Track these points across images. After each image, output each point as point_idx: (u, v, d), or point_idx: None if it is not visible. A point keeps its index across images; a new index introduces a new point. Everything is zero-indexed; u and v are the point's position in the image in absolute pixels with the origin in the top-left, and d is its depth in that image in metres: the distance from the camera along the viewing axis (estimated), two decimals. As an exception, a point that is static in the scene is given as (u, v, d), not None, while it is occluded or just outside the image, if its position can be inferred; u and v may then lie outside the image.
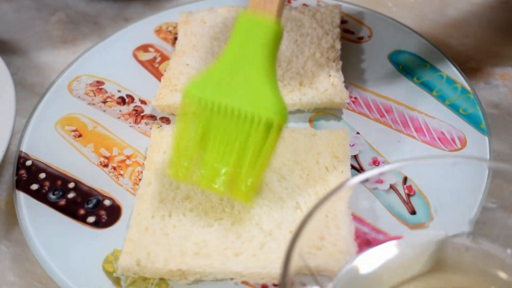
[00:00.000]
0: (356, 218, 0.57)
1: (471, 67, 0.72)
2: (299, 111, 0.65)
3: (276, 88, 0.52)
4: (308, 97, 0.64)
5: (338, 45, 0.68)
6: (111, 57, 0.72)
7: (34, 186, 0.61)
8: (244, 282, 0.54)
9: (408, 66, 0.68)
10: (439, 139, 0.62)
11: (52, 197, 0.60)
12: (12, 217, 0.61)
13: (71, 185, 0.61)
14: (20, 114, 0.67)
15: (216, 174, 0.52)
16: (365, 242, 0.55)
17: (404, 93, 0.66)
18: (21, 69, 0.76)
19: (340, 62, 0.67)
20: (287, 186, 0.58)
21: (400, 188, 0.59)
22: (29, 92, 0.73)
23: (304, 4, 0.76)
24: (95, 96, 0.69)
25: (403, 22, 0.72)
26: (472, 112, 0.64)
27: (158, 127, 0.64)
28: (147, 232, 0.55)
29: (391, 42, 0.71)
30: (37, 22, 0.82)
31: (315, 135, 0.61)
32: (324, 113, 0.66)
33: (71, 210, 0.59)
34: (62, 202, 0.60)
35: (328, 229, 0.54)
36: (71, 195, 0.60)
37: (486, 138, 0.61)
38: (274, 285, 0.54)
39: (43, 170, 0.62)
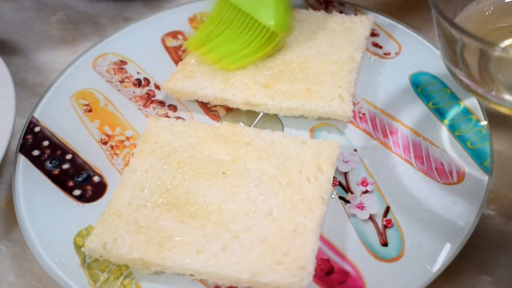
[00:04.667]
0: (324, 240, 0.56)
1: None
2: (303, 117, 0.64)
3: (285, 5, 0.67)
4: (312, 104, 0.63)
5: (358, 57, 0.67)
6: (141, 39, 0.74)
7: (36, 152, 0.64)
8: (201, 281, 0.54)
9: (427, 90, 0.66)
10: (436, 169, 0.60)
11: (48, 165, 0.63)
12: (12, 217, 0.61)
13: (69, 156, 0.63)
14: (20, 114, 0.68)
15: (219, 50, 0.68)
16: (327, 266, 0.54)
17: (414, 116, 0.64)
18: (21, 69, 0.76)
19: (355, 75, 0.65)
20: (264, 191, 0.57)
21: (379, 219, 0.57)
22: (29, 92, 0.74)
23: (340, 11, 0.74)
24: (115, 74, 0.71)
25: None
26: (480, 147, 0.61)
27: (160, 114, 0.65)
28: (119, 218, 0.56)
29: (416, 62, 0.68)
30: (37, 22, 0.83)
31: (305, 143, 0.60)
32: (327, 124, 0.64)
33: (61, 180, 0.61)
34: (56, 171, 0.62)
35: (294, 245, 0.54)
36: (65, 166, 0.63)
37: (487, 177, 0.58)
38: (229, 287, 0.54)
39: (47, 138, 0.65)
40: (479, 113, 0.63)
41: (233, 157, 0.60)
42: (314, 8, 0.75)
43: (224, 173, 0.59)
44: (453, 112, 0.64)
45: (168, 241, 0.54)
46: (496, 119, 0.64)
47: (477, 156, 0.60)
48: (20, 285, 0.58)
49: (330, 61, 0.67)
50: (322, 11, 0.74)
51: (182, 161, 0.60)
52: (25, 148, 0.64)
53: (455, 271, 0.57)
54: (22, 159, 0.63)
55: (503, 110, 0.51)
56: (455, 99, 0.65)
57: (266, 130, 0.62)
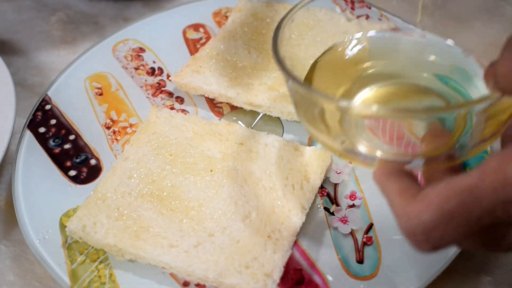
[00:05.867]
0: (300, 249, 0.55)
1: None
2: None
3: None
4: (312, 113, 0.62)
5: (368, 68, 0.65)
6: (163, 29, 0.75)
7: (42, 129, 0.66)
8: (172, 275, 0.55)
9: (437, 108, 0.64)
10: (429, 192, 0.58)
11: (51, 143, 0.64)
12: (12, 217, 0.61)
13: (72, 137, 0.65)
14: (20, 114, 0.68)
15: None
16: (297, 276, 0.54)
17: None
18: (21, 69, 0.76)
19: (362, 86, 0.64)
20: (246, 193, 0.57)
21: (360, 235, 0.56)
22: (29, 92, 0.74)
23: (366, 16, 0.73)
24: (131, 61, 0.72)
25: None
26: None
27: (166, 105, 0.66)
28: (103, 203, 0.57)
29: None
30: (37, 22, 0.83)
31: (297, 150, 0.60)
32: (327, 133, 0.63)
33: (60, 159, 0.63)
34: (57, 150, 0.64)
35: (265, 250, 0.53)
36: (67, 146, 0.64)
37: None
38: (197, 285, 0.54)
39: (56, 117, 0.67)
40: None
41: (223, 156, 0.60)
42: (341, 8, 0.74)
43: (211, 170, 0.59)
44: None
45: (144, 232, 0.55)
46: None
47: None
48: (20, 285, 0.58)
49: (340, 69, 0.65)
50: (343, 15, 0.72)
51: (174, 154, 0.60)
52: (32, 125, 0.66)
53: (455, 271, 0.56)
54: (28, 135, 0.65)
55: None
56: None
57: (262, 132, 0.62)
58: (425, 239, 0.38)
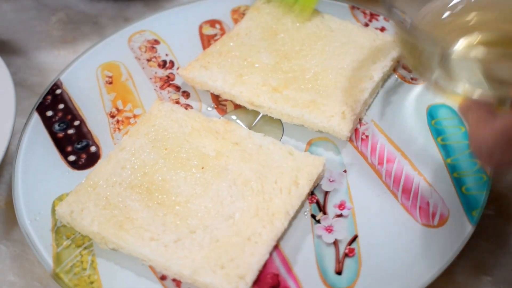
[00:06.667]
0: (281, 255, 0.55)
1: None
2: (304, 127, 0.63)
3: None
4: (311, 117, 0.61)
5: (376, 77, 0.64)
6: (180, 22, 0.75)
7: (49, 113, 0.67)
8: (151, 268, 0.55)
9: (441, 123, 0.62)
10: (420, 208, 0.57)
11: (56, 127, 0.66)
12: (12, 217, 0.61)
13: (76, 123, 0.66)
14: (20, 114, 0.68)
15: None
16: (274, 281, 0.54)
17: (418, 149, 0.61)
18: (21, 69, 0.76)
19: (366, 95, 0.63)
20: (234, 194, 0.57)
21: (343, 246, 0.55)
22: (29, 92, 0.74)
23: (382, 28, 0.71)
24: (145, 52, 0.72)
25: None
26: (475, 194, 0.57)
27: (172, 99, 0.66)
28: (94, 191, 0.58)
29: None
30: (37, 22, 0.83)
31: (291, 154, 0.59)
32: (326, 139, 0.63)
33: (62, 144, 0.64)
34: (61, 134, 0.65)
35: (242, 252, 0.53)
36: (70, 131, 0.65)
37: (470, 228, 0.55)
38: (173, 280, 0.54)
39: (64, 102, 0.68)
40: (488, 159, 0.59)
41: (217, 154, 0.60)
42: (357, 19, 0.73)
43: (203, 168, 0.59)
44: (459, 152, 0.60)
45: (128, 222, 0.56)
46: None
47: (468, 203, 0.56)
48: (20, 285, 0.59)
49: (346, 76, 0.65)
50: (359, 24, 0.71)
51: (169, 149, 0.61)
52: (41, 107, 0.67)
53: (455, 271, 0.56)
54: (35, 117, 0.66)
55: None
56: (467, 139, 0.61)
57: (259, 133, 0.61)
58: (489, 156, 0.48)
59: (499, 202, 0.60)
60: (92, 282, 0.55)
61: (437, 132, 0.62)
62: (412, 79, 0.67)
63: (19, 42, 0.80)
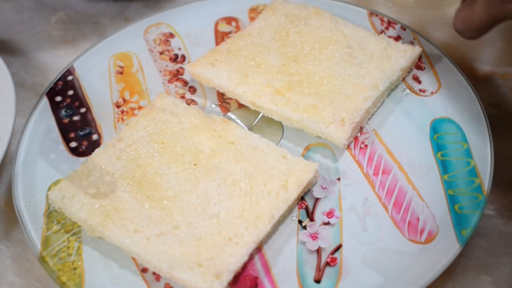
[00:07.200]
0: (262, 258, 0.55)
1: (472, 67, 0.71)
2: (303, 131, 0.62)
3: None
4: (310, 122, 0.61)
5: (381, 86, 0.63)
6: (197, 17, 0.75)
7: (58, 98, 0.68)
8: (134, 259, 0.56)
9: (443, 138, 0.61)
10: (409, 223, 0.56)
11: (63, 113, 0.67)
12: (12, 217, 0.63)
13: (83, 110, 0.67)
14: (20, 114, 0.68)
15: None
16: (252, 283, 0.53)
17: (416, 163, 0.60)
18: (21, 69, 0.76)
19: (369, 104, 0.62)
20: (222, 193, 0.57)
21: (325, 254, 0.54)
22: (29, 92, 0.74)
23: (397, 36, 0.70)
24: (159, 45, 0.73)
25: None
26: (467, 213, 0.55)
27: (178, 93, 0.67)
28: (87, 179, 0.59)
29: (447, 107, 0.63)
30: (37, 22, 0.82)
31: (285, 157, 0.59)
32: (324, 145, 0.62)
33: (66, 129, 0.66)
34: (66, 120, 0.66)
35: (222, 252, 0.53)
36: (76, 118, 0.67)
37: (457, 247, 0.53)
38: (153, 273, 0.55)
39: (74, 88, 0.69)
40: (486, 180, 0.57)
41: (212, 152, 0.60)
42: (374, 25, 0.72)
43: (195, 164, 0.59)
44: (459, 168, 0.58)
45: (115, 213, 0.56)
46: (496, 119, 0.63)
47: (460, 222, 0.55)
48: (20, 285, 0.59)
49: (351, 83, 0.64)
50: (373, 31, 0.70)
51: (166, 143, 0.61)
52: (51, 92, 0.68)
53: (455, 271, 0.56)
54: (44, 101, 0.67)
55: None
56: (468, 156, 0.59)
57: (255, 134, 0.61)
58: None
59: (499, 202, 0.60)
60: (75, 268, 0.55)
61: (438, 146, 0.60)
62: (420, 90, 0.65)
63: (19, 42, 0.80)
